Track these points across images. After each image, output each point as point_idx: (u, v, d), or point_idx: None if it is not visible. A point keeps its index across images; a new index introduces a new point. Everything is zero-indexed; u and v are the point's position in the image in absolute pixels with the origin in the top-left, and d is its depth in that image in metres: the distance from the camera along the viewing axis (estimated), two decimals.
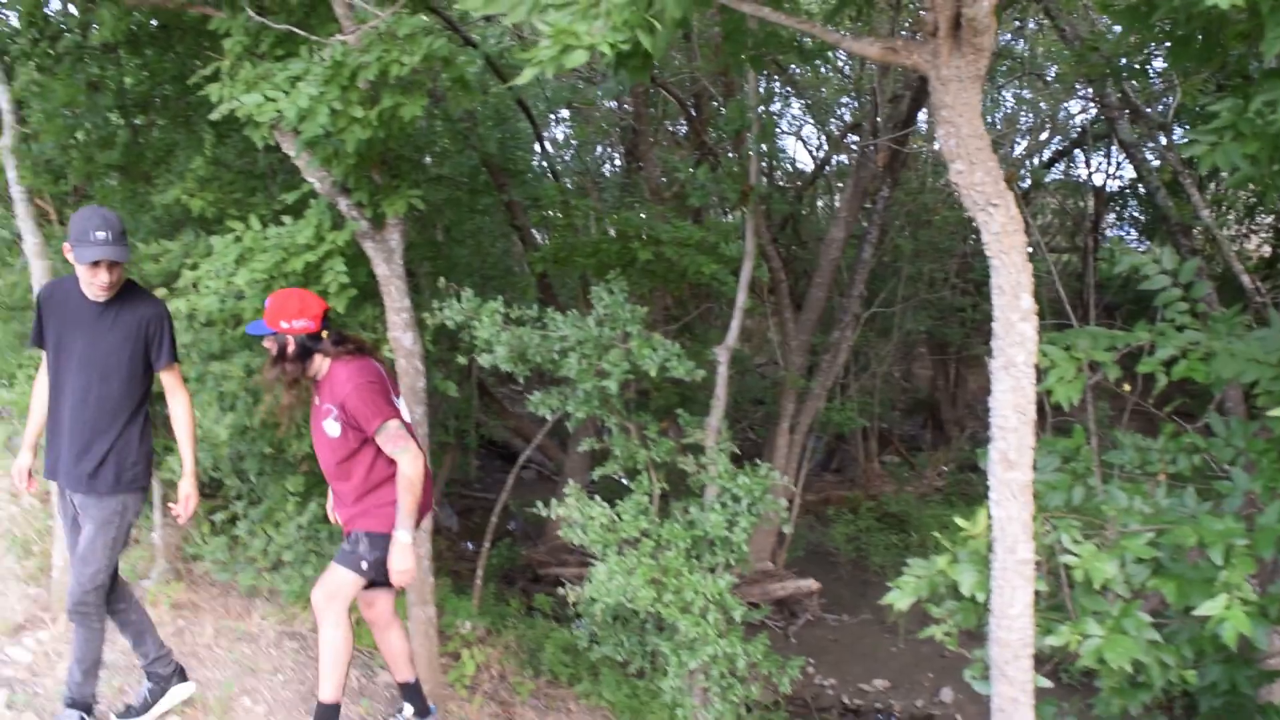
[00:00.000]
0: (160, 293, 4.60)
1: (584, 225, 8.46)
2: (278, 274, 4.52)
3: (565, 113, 12.67)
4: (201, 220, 5.43)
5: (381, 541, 3.98)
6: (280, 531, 5.47)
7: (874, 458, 13.03)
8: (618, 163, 13.56)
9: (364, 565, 4.00)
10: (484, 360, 4.49)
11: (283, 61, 4.37)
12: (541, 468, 12.13)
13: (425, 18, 4.36)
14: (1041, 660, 3.17)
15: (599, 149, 13.13)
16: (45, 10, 5.93)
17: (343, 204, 4.62)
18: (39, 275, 5.19)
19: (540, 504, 5.21)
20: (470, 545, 9.94)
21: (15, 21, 5.84)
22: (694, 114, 9.55)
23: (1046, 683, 3.16)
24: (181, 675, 4.41)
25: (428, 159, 6.15)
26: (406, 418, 4.09)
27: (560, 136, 12.63)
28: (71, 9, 6.37)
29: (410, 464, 3.87)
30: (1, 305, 6.82)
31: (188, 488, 4.09)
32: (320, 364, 3.98)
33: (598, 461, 5.14)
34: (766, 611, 5.28)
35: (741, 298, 5.37)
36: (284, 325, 3.90)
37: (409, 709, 4.49)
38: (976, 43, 2.74)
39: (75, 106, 5.71)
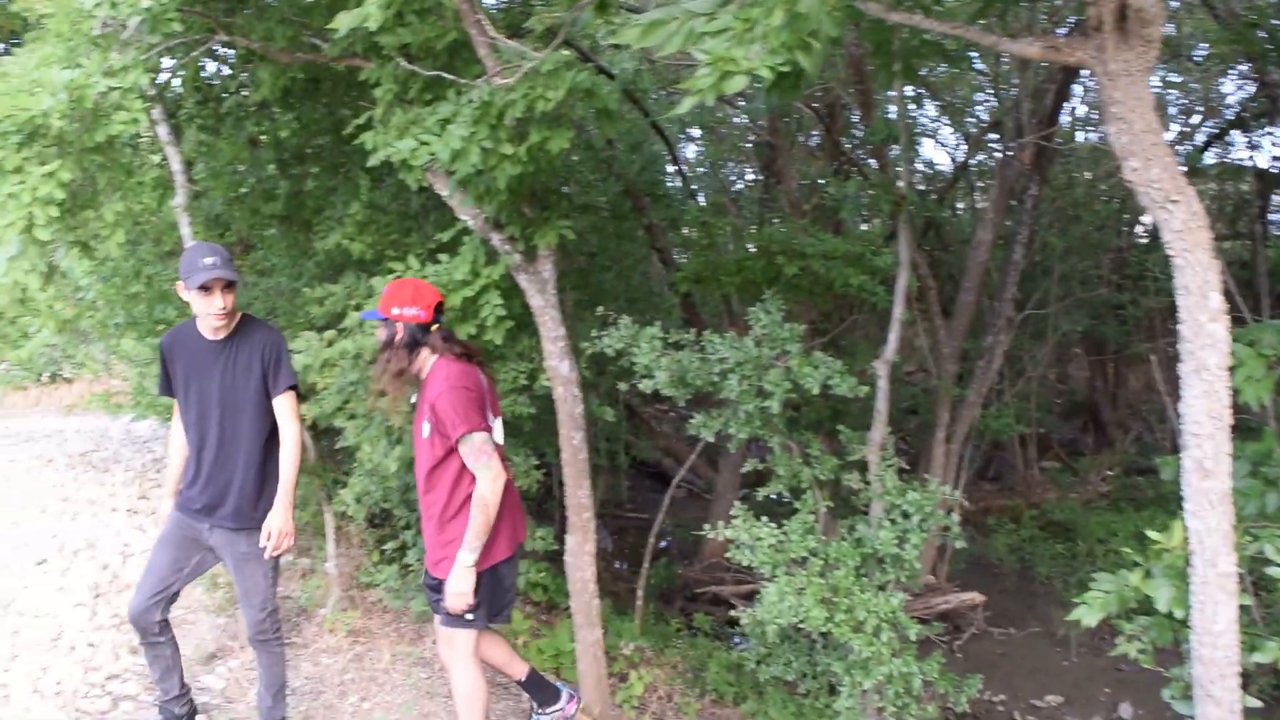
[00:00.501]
0: (328, 335, 4.81)
1: (724, 243, 8.45)
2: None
3: (696, 131, 12.76)
4: (361, 263, 5.65)
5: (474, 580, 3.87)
6: None
7: (1033, 464, 12.55)
8: (749, 178, 13.53)
9: (469, 618, 3.91)
10: (644, 386, 4.52)
11: (431, 105, 4.52)
12: (692, 486, 12.13)
13: (564, 52, 4.44)
14: (1248, 678, 2.99)
15: (731, 166, 13.12)
16: (203, 75, 6.29)
17: (495, 239, 4.73)
18: None
19: (704, 526, 5.20)
20: (622, 565, 10.01)
21: (178, 87, 6.23)
22: (830, 125, 9.44)
23: (1255, 702, 2.98)
24: (190, 716, 4.42)
25: (573, 189, 6.25)
26: (499, 438, 4.00)
27: (691, 156, 12.71)
28: (225, 70, 6.75)
29: (489, 484, 3.73)
30: None
31: (277, 522, 3.98)
32: (425, 359, 3.90)
33: (760, 481, 5.10)
34: (938, 628, 5.13)
35: (898, 309, 5.27)
36: (395, 312, 3.85)
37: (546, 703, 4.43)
38: (1145, 34, 2.63)
39: (239, 163, 6.03)
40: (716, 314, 10.28)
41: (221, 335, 3.94)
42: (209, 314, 3.82)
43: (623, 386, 4.65)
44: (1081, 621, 3.10)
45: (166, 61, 5.30)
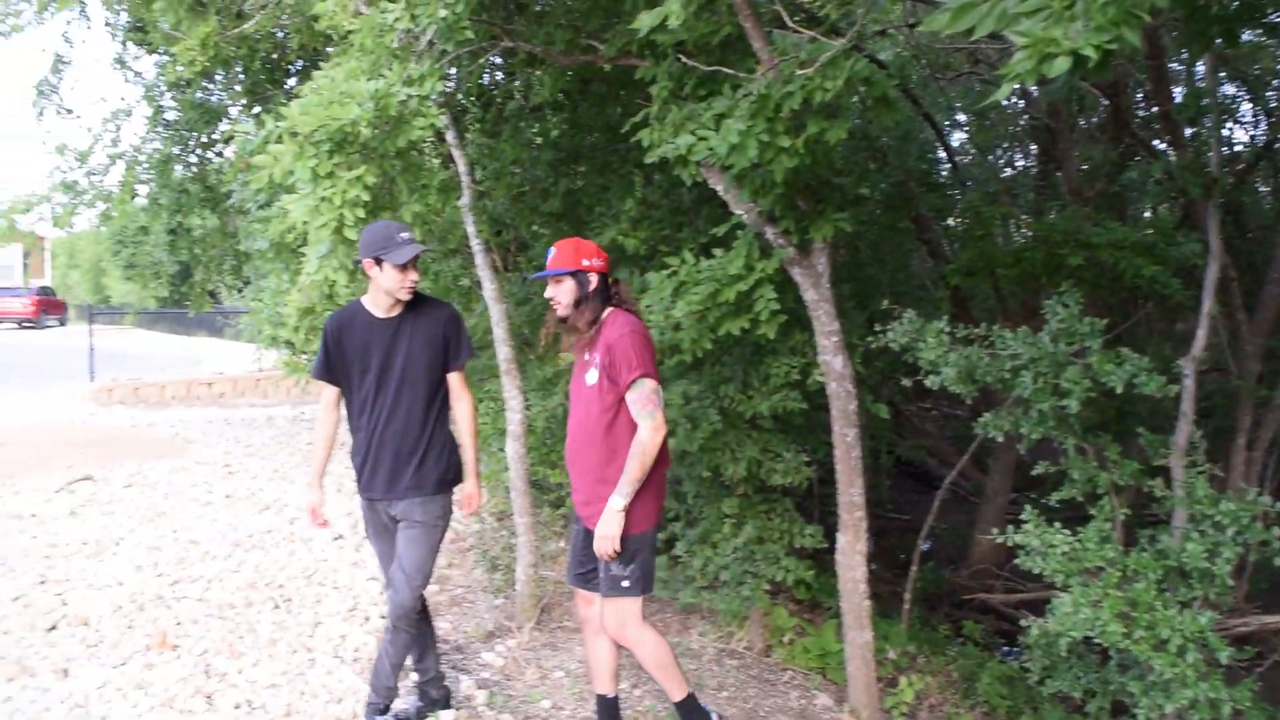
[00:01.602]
0: None
1: (998, 234, 8.08)
2: (712, 304, 4.68)
3: (962, 117, 12.27)
4: (634, 258, 5.78)
5: (634, 543, 3.82)
6: (717, 552, 5.65)
7: None
8: (1023, 164, 12.89)
9: (626, 584, 3.86)
10: (930, 382, 4.38)
11: (706, 101, 4.56)
12: (957, 488, 11.71)
13: (839, 41, 4.35)
14: None
15: (1002, 151, 12.53)
16: (481, 82, 6.63)
17: (769, 233, 4.71)
18: (497, 318, 5.75)
19: (975, 529, 4.99)
20: (879, 567, 9.78)
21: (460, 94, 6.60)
22: (1116, 103, 8.82)
23: None
24: (446, 703, 4.47)
25: (846, 181, 6.16)
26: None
27: (957, 143, 12.24)
28: (500, 76, 7.10)
29: (650, 432, 3.69)
30: None
31: (471, 486, 4.20)
32: (602, 311, 3.89)
33: (1034, 484, 4.84)
34: (1249, 653, 4.70)
35: (1208, 302, 4.85)
36: (585, 263, 3.84)
37: None
38: None
39: (519, 164, 6.31)
40: (987, 308, 9.86)
41: (395, 312, 3.98)
42: (401, 288, 3.87)
43: (906, 383, 4.50)
44: None
45: (450, 71, 5.63)
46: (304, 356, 10.78)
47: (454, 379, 4.11)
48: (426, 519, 4.02)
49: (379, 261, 3.85)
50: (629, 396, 3.73)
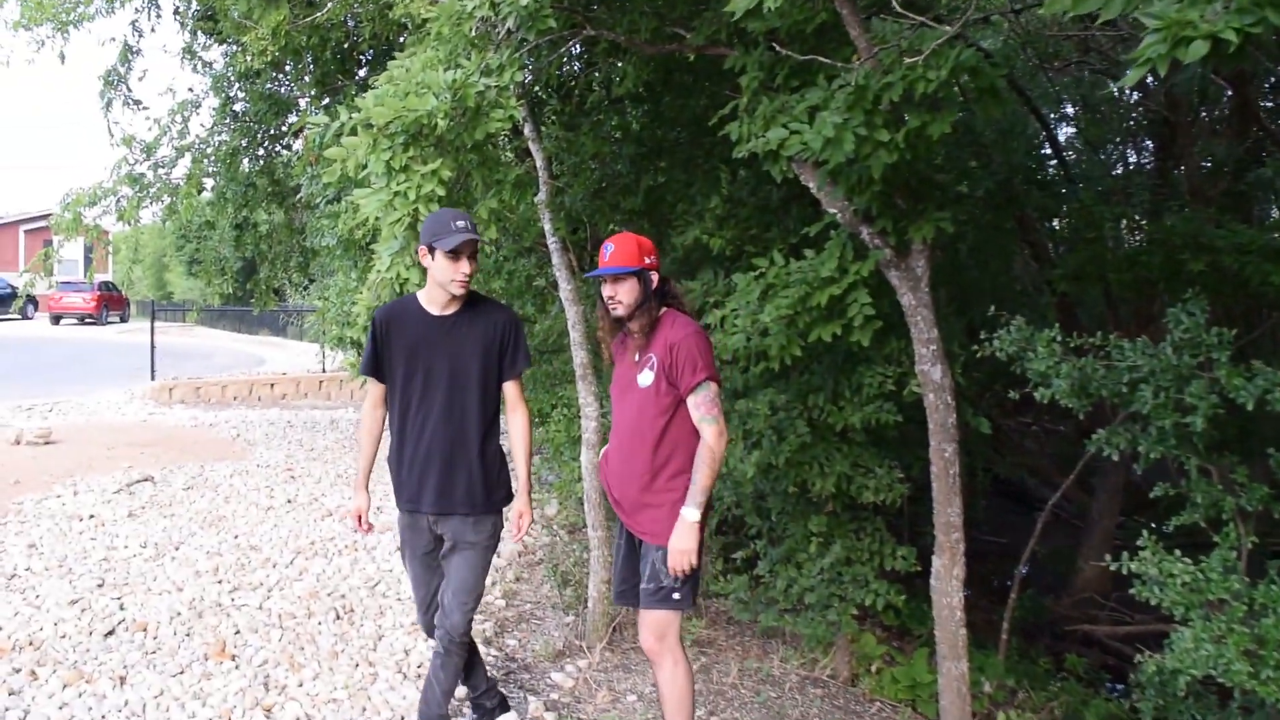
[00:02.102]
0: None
1: (1110, 235, 7.89)
2: (802, 308, 4.64)
3: (1069, 110, 12.02)
4: (719, 258, 5.76)
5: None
6: (802, 573, 5.59)
7: None
8: (1134, 160, 12.58)
9: (677, 596, 3.80)
10: (1039, 395, 4.28)
11: (799, 92, 4.52)
12: (1058, 509, 11.45)
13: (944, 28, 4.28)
14: None
15: (1113, 147, 12.25)
16: (561, 73, 6.68)
17: (865, 233, 4.66)
18: (573, 320, 5.78)
19: (1078, 553, 4.87)
20: (970, 594, 9.58)
21: (539, 88, 6.66)
22: (1242, 95, 8.57)
23: None
24: (503, 705, 4.49)
25: (947, 177, 6.08)
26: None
27: (1064, 137, 12.00)
28: (579, 67, 7.14)
29: (717, 437, 3.67)
30: (536, 347, 7.66)
31: (521, 505, 4.08)
32: (658, 311, 3.87)
33: (1143, 506, 4.71)
34: None
35: None
36: (647, 261, 3.82)
37: None
38: None
39: (600, 158, 6.33)
40: (1096, 316, 9.65)
41: (451, 310, 3.91)
42: (453, 280, 3.79)
43: (1013, 395, 4.41)
44: None
45: (529, 62, 5.68)
46: None
47: (510, 388, 4.06)
48: (479, 539, 3.97)
49: (431, 250, 3.80)
50: (692, 400, 3.72)
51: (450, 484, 3.91)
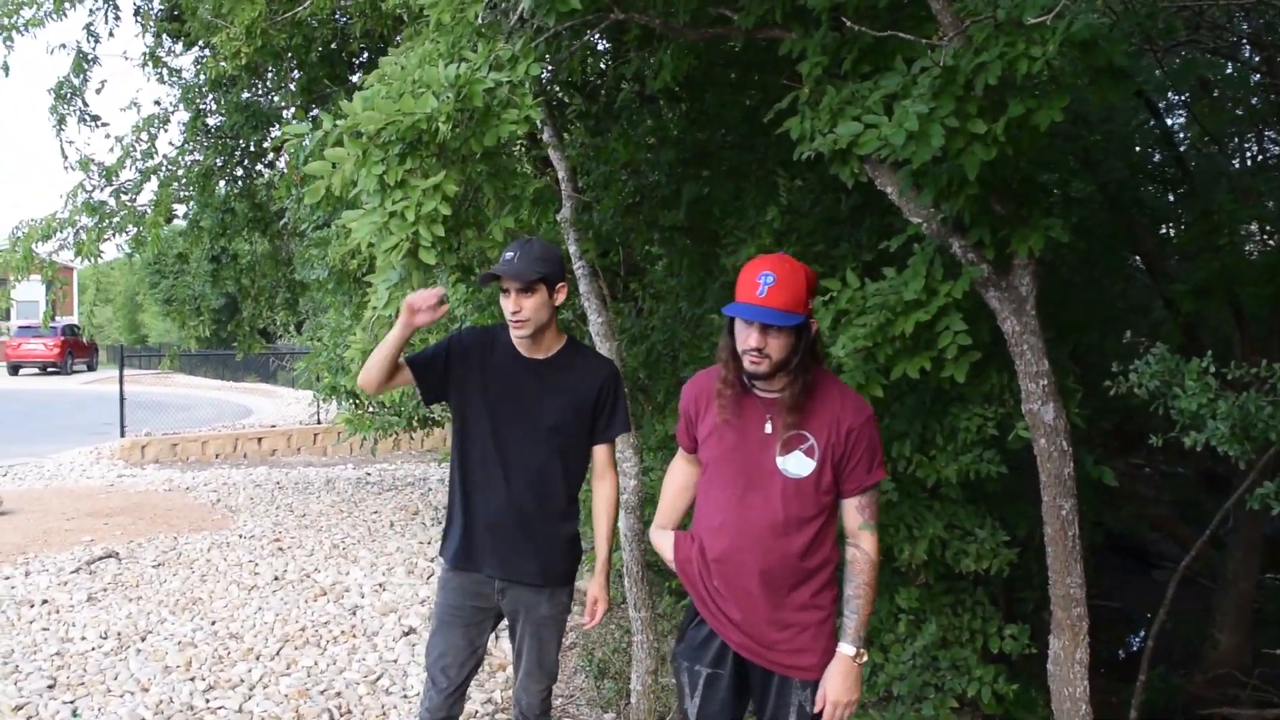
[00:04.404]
0: None
1: (1242, 244, 7.64)
2: (881, 339, 4.43)
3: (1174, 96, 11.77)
4: None
5: None
6: (889, 658, 5.36)
7: None
8: (1255, 154, 12.30)
9: None
10: (1189, 440, 4.01)
11: (872, 79, 4.34)
12: (1179, 568, 11.10)
13: None
14: None
15: (1236, 139, 11.98)
16: (585, 68, 6.53)
17: (956, 245, 4.45)
18: (606, 355, 5.59)
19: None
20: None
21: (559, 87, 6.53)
22: None
23: None
24: None
25: (1056, 178, 5.86)
26: None
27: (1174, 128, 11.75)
28: (606, 61, 6.99)
29: (875, 547, 3.36)
30: None
31: (597, 589, 4.05)
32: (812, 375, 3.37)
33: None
34: None
35: None
36: (810, 306, 3.31)
37: None
38: None
39: (632, 166, 6.17)
40: (1222, 338, 9.35)
41: (539, 355, 3.88)
42: (510, 317, 3.74)
43: (1153, 440, 4.13)
44: None
45: (547, 55, 5.53)
46: (370, 409, 10.87)
47: (600, 453, 4.00)
48: (553, 613, 3.96)
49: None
50: (858, 500, 3.37)
51: (523, 551, 3.87)
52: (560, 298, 3.83)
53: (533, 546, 3.86)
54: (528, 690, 4.01)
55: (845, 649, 3.34)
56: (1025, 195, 4.53)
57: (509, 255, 3.70)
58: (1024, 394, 4.54)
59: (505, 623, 4.06)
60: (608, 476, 4.04)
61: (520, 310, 3.70)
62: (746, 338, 3.23)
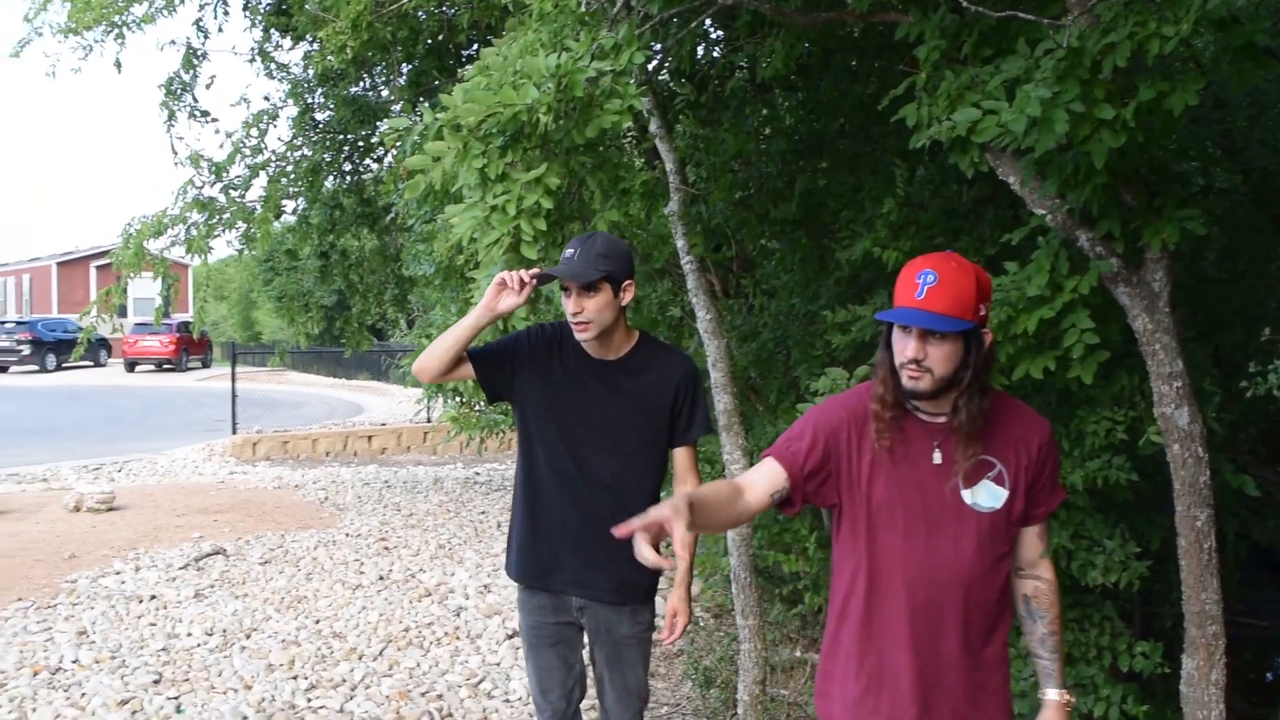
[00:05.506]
0: (859, 370, 4.64)
1: None
2: (1003, 337, 4.34)
3: None
4: (894, 276, 5.48)
5: None
6: (1012, 676, 5.24)
7: None
8: None
9: None
10: None
11: (993, 63, 4.25)
12: None
13: None
14: None
15: None
16: (694, 56, 6.51)
17: (1084, 239, 4.33)
18: (715, 357, 5.57)
19: None
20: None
21: (667, 75, 6.51)
22: None
23: None
24: None
25: (1193, 166, 5.67)
26: None
27: None
28: (717, 48, 6.96)
29: (1054, 574, 3.02)
30: None
31: (677, 601, 3.82)
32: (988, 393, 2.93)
33: None
34: None
35: None
36: (981, 312, 2.76)
37: None
38: None
39: (745, 156, 6.13)
40: None
41: (610, 356, 3.71)
42: (571, 317, 3.57)
43: None
44: None
45: (654, 44, 5.52)
46: (478, 408, 10.98)
47: (680, 456, 3.82)
48: (636, 631, 3.83)
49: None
50: (1041, 527, 3.02)
51: (597, 565, 3.71)
52: (627, 297, 3.64)
53: (608, 562, 3.64)
54: (619, 718, 3.88)
55: (1052, 695, 3.03)
56: (1159, 185, 4.40)
57: (569, 253, 3.55)
58: (1156, 396, 4.40)
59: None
60: (689, 481, 3.82)
61: (582, 311, 3.53)
62: (904, 348, 2.76)
